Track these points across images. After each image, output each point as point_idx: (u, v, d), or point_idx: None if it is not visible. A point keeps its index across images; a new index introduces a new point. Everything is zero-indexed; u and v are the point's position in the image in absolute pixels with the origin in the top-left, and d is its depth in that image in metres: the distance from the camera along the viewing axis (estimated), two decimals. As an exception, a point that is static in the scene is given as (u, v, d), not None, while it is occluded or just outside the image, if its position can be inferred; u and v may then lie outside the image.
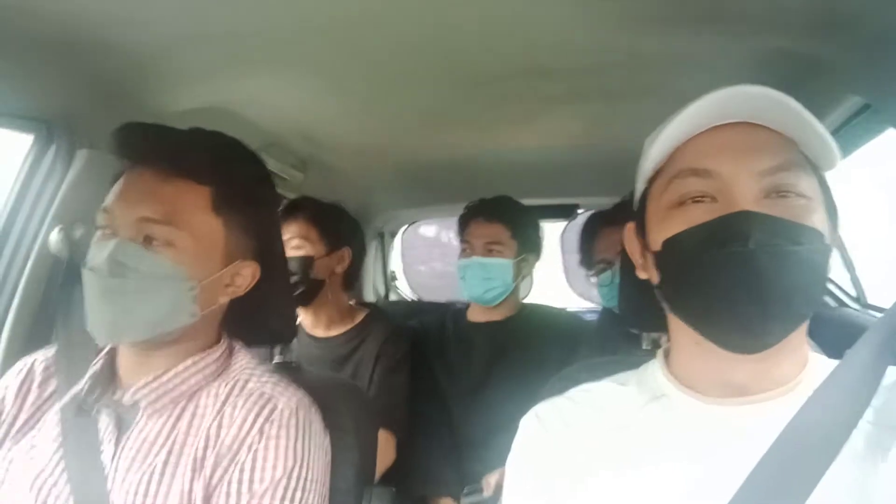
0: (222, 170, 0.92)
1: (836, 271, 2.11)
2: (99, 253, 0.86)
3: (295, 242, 1.81)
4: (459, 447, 1.85)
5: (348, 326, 1.92)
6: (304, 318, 1.93)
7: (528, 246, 1.95)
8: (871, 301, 2.06)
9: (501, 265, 1.86)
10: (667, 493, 0.67)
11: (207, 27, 1.10)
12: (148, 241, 0.86)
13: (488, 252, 1.87)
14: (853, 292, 2.11)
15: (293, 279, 1.75)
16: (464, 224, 1.96)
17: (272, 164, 1.91)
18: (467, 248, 1.91)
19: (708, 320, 0.68)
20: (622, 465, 0.71)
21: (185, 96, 1.37)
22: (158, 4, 1.01)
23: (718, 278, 0.65)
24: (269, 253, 1.02)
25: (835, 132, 1.38)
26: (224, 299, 0.95)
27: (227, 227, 0.92)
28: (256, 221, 0.97)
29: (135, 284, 0.85)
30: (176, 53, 1.18)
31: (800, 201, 0.67)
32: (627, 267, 0.87)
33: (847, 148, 1.44)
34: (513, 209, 1.94)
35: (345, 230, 1.92)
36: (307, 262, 1.80)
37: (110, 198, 0.89)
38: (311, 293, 1.83)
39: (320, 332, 1.92)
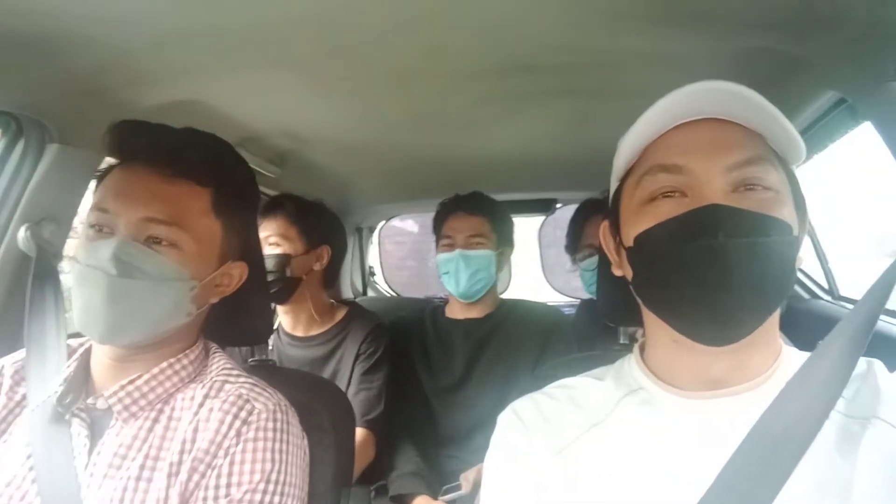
0: (221, 172, 0.93)
1: (809, 263, 2.14)
2: (97, 252, 0.84)
3: (273, 240, 1.80)
4: (439, 445, 1.85)
5: (328, 325, 1.92)
6: (283, 317, 1.92)
7: (505, 238, 1.96)
8: (843, 293, 2.10)
9: (485, 256, 1.86)
10: (643, 484, 0.68)
11: (188, 24, 1.08)
12: (150, 241, 0.86)
13: (472, 245, 1.87)
14: (825, 284, 2.15)
15: (269, 277, 1.74)
16: (442, 219, 1.95)
17: (249, 159, 1.88)
18: (449, 242, 1.90)
19: (680, 314, 0.69)
20: (600, 459, 0.72)
21: (162, 91, 1.34)
22: (138, 1, 0.99)
23: (689, 272, 0.66)
24: (253, 252, 1.03)
25: (811, 126, 1.40)
26: (214, 299, 0.96)
27: (224, 228, 0.93)
28: (246, 223, 0.99)
29: (141, 285, 0.84)
30: (154, 50, 1.16)
31: (767, 194, 0.68)
32: (605, 263, 0.88)
33: (823, 142, 1.46)
34: (490, 203, 1.95)
35: (325, 228, 1.91)
36: (284, 259, 1.79)
37: (106, 196, 0.87)
38: (287, 291, 1.82)
39: (300, 332, 1.91)
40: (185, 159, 0.89)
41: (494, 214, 1.93)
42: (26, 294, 1.04)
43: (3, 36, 1.03)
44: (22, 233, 1.16)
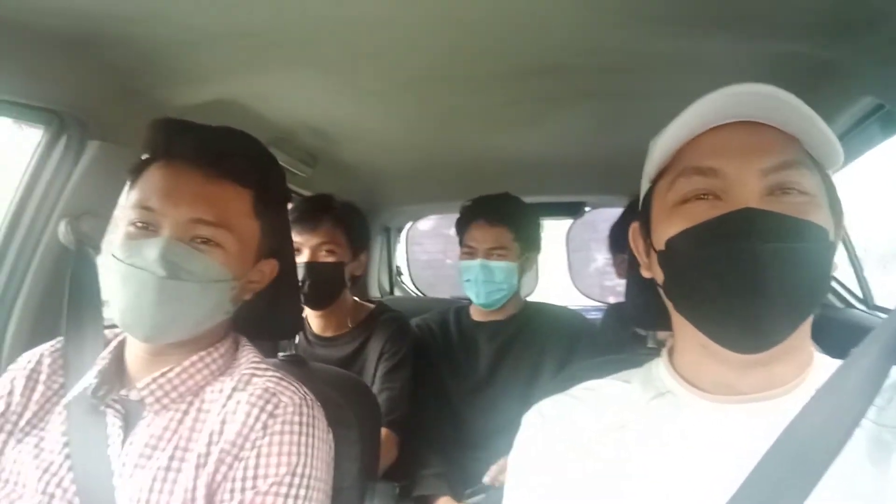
0: (261, 173, 0.95)
1: (843, 272, 2.10)
2: (142, 251, 0.84)
3: (328, 247, 1.80)
4: (463, 446, 1.84)
5: (352, 325, 1.92)
6: (313, 320, 1.92)
7: (530, 245, 1.93)
8: (877, 302, 2.05)
9: (506, 268, 1.84)
10: (669, 489, 0.67)
11: (224, 25, 1.10)
12: (196, 241, 0.87)
13: (492, 256, 1.84)
14: (860, 293, 2.10)
15: (323, 284, 1.78)
16: (464, 225, 1.92)
17: (281, 158, 1.91)
18: (470, 252, 1.87)
19: (710, 319, 0.68)
20: (624, 462, 0.71)
21: (197, 91, 1.38)
22: (175, 1, 1.02)
23: (721, 275, 0.65)
24: (283, 250, 1.05)
25: (847, 132, 1.37)
26: (249, 295, 0.98)
27: (263, 229, 0.95)
28: (281, 222, 1.01)
29: (188, 286, 0.86)
30: (191, 50, 1.19)
31: (803, 198, 0.67)
32: (634, 266, 0.87)
33: (860, 148, 1.44)
34: (514, 210, 1.90)
35: (365, 233, 1.94)
36: (340, 267, 1.81)
37: (151, 194, 0.88)
38: (332, 297, 1.84)
39: (325, 332, 1.92)
40: (229, 160, 0.90)
41: (518, 222, 1.88)
42: (65, 286, 1.07)
43: (44, 36, 1.06)
44: (62, 227, 1.19)
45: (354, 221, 1.88)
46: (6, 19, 1.00)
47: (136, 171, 0.93)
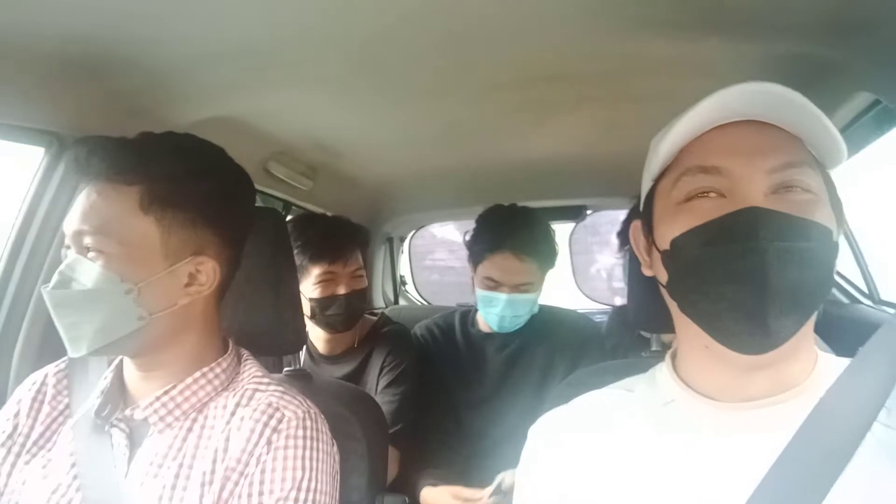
0: (152, 167, 0.89)
1: (848, 267, 2.09)
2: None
3: (357, 273, 1.82)
4: (470, 456, 1.82)
5: (354, 341, 1.92)
6: (319, 340, 1.91)
7: (550, 265, 1.85)
8: (883, 297, 2.05)
9: (531, 299, 1.79)
10: (675, 498, 0.67)
11: (222, 45, 1.11)
12: (87, 251, 0.87)
13: (518, 290, 1.75)
14: (865, 288, 2.10)
15: (356, 311, 1.81)
16: (486, 251, 1.76)
17: (282, 172, 1.92)
18: (493, 285, 1.75)
19: (716, 317, 0.67)
20: (631, 473, 0.71)
21: (197, 109, 1.38)
22: (177, 24, 1.03)
23: (727, 274, 0.65)
24: (270, 259, 1.02)
25: (845, 129, 1.37)
26: (185, 300, 0.92)
27: (162, 225, 0.89)
28: (206, 216, 0.93)
29: (75, 294, 0.86)
30: (190, 70, 1.20)
31: (806, 196, 0.67)
32: (635, 266, 0.87)
33: (858, 144, 1.44)
34: (541, 242, 1.78)
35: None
36: (367, 290, 1.84)
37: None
38: (359, 319, 1.86)
39: (333, 352, 1.91)
40: (112, 161, 0.88)
41: (544, 255, 1.78)
42: None
43: (42, 60, 1.07)
44: (64, 249, 1.20)
45: (367, 241, 1.90)
46: (4, 44, 1.01)
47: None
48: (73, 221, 0.87)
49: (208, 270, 0.93)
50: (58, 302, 0.87)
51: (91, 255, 0.86)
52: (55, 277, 0.86)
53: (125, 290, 0.86)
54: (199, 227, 0.92)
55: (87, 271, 0.86)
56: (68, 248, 0.89)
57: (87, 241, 0.86)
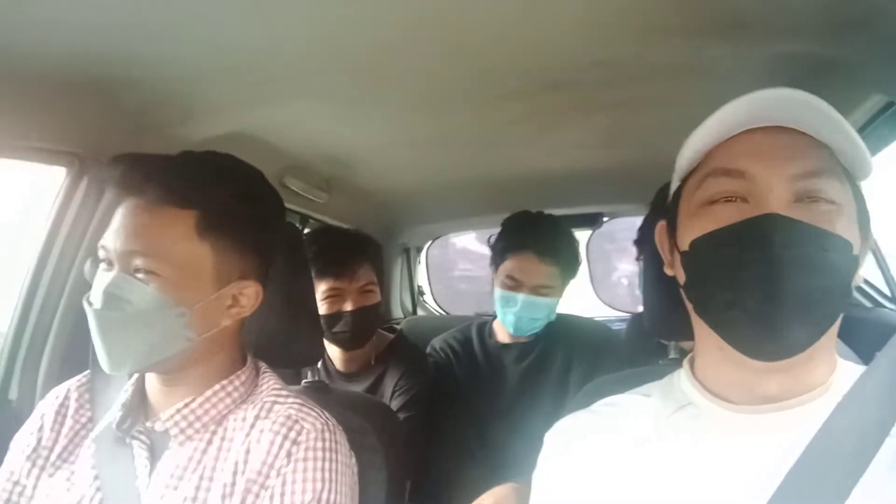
0: (207, 192, 0.90)
1: (870, 271, 2.06)
2: (97, 286, 0.88)
3: (367, 289, 1.77)
4: (490, 467, 1.80)
5: (371, 358, 1.89)
6: (336, 357, 1.89)
7: (572, 274, 1.87)
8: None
9: (549, 304, 1.79)
10: (690, 501, 0.67)
11: (233, 61, 1.13)
12: (136, 272, 0.87)
13: (538, 292, 1.76)
14: (888, 292, 2.07)
15: (367, 327, 1.78)
16: (507, 251, 1.79)
17: (297, 185, 1.93)
18: (514, 285, 1.77)
19: (729, 321, 0.67)
20: (646, 477, 0.71)
21: (210, 125, 1.40)
22: (184, 42, 1.05)
23: (740, 279, 0.65)
24: (287, 273, 1.02)
25: (859, 132, 1.35)
26: (228, 321, 0.94)
27: (216, 249, 0.90)
28: (252, 241, 0.95)
29: (126, 316, 0.86)
30: (200, 87, 1.22)
31: (829, 207, 0.66)
32: (652, 270, 0.87)
33: (873, 147, 1.42)
34: (564, 246, 1.80)
35: (382, 262, 1.91)
36: (379, 306, 1.80)
37: (107, 233, 0.89)
38: (372, 335, 1.83)
39: (349, 369, 1.89)
40: (166, 184, 0.88)
41: (566, 260, 1.79)
42: None
43: (61, 79, 1.10)
44: (87, 266, 1.22)
45: (380, 254, 1.87)
46: (24, 68, 1.04)
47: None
48: (119, 241, 0.87)
49: (250, 294, 0.95)
50: (107, 323, 0.87)
51: (141, 276, 0.86)
52: (101, 297, 0.86)
53: (178, 314, 0.87)
54: (247, 251, 0.94)
55: (139, 293, 0.86)
56: (103, 262, 0.89)
57: (139, 262, 0.86)
